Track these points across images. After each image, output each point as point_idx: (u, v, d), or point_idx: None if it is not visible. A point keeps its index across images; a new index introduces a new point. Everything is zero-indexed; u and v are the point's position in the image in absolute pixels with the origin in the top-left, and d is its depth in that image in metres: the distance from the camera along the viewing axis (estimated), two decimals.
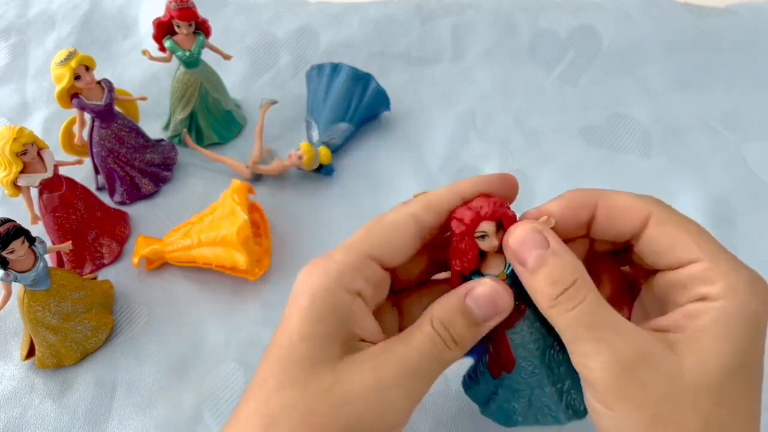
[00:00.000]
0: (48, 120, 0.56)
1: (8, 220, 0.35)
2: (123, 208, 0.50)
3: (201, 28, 0.50)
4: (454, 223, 0.28)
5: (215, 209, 0.45)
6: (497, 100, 0.58)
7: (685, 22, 0.64)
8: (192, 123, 0.54)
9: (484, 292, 0.26)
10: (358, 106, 0.54)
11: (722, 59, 0.62)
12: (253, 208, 0.47)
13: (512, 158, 0.53)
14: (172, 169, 0.52)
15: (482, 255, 0.28)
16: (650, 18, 0.65)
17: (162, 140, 0.53)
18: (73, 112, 0.47)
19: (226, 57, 0.53)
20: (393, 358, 0.25)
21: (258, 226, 0.47)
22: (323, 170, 0.51)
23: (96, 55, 0.47)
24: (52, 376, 0.40)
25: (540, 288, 0.25)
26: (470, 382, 0.33)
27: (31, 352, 0.40)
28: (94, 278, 0.45)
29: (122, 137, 0.49)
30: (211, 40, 0.51)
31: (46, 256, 0.38)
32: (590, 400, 0.25)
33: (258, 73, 0.61)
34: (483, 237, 0.27)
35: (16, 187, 0.42)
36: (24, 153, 0.41)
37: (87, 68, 0.45)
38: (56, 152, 0.44)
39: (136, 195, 0.50)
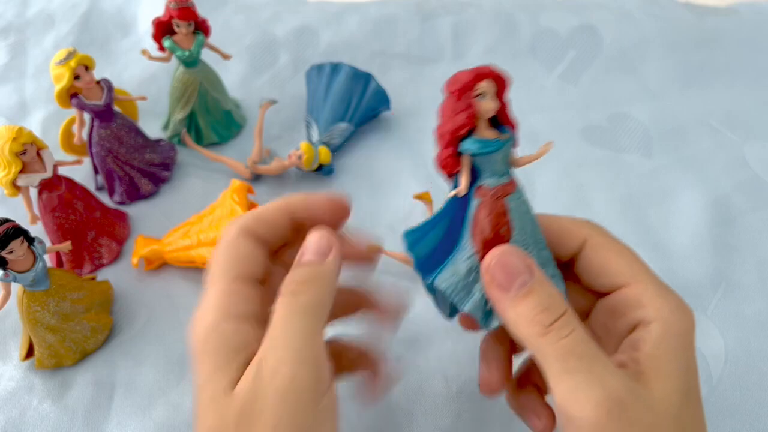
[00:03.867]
0: (47, 120, 0.56)
1: (7, 220, 0.35)
2: (122, 208, 0.50)
3: (200, 28, 0.50)
4: (451, 82, 0.27)
5: (215, 209, 0.45)
6: None
7: (686, 21, 0.64)
8: (191, 123, 0.53)
9: (311, 241, 0.26)
10: (358, 106, 0.54)
11: (724, 58, 0.61)
12: (252, 208, 0.47)
13: None
14: (172, 169, 0.52)
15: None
16: (651, 17, 0.64)
17: (161, 140, 0.53)
18: (73, 111, 0.47)
19: (226, 56, 0.53)
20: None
21: None
22: (323, 170, 0.51)
23: (95, 54, 0.47)
24: (52, 377, 0.40)
25: (527, 316, 0.24)
26: (456, 283, 0.27)
27: (30, 353, 0.40)
28: (93, 278, 0.45)
29: (121, 137, 0.49)
30: (211, 39, 0.51)
31: (46, 257, 0.38)
32: None
33: (257, 72, 0.61)
34: (483, 95, 0.26)
35: (15, 187, 0.42)
36: (23, 153, 0.41)
37: (86, 68, 0.45)
38: (55, 152, 0.44)
39: (135, 195, 0.50)
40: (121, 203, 0.50)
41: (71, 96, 0.46)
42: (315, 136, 0.52)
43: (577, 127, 0.56)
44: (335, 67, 0.55)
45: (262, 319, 0.25)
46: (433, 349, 0.40)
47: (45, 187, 0.43)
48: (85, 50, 0.46)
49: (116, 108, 0.48)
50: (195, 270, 0.45)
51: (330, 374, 0.24)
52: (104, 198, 0.49)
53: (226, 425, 0.23)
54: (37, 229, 0.43)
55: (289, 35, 0.63)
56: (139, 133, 0.50)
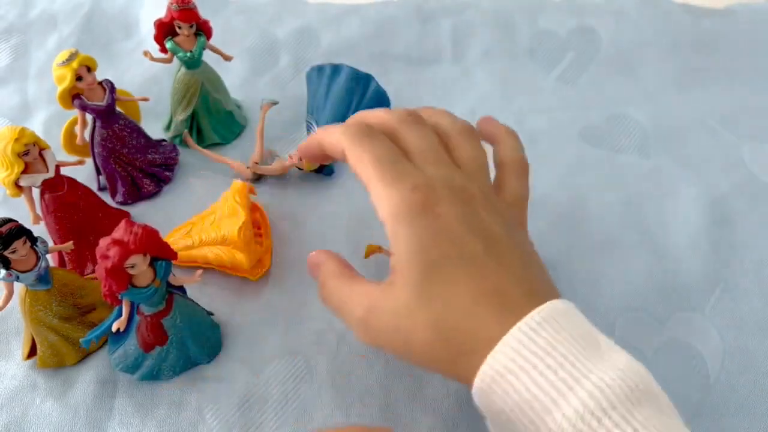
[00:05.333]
0: (49, 120, 0.56)
1: (10, 220, 0.35)
2: (124, 209, 0.50)
3: (202, 29, 0.50)
4: (102, 255, 0.32)
5: (216, 210, 0.46)
6: (497, 100, 0.59)
7: (684, 22, 0.65)
8: (193, 123, 0.54)
9: None
10: (358, 107, 0.54)
11: (721, 59, 0.62)
12: (254, 208, 0.47)
13: None
14: (174, 169, 0.52)
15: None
16: (649, 18, 0.65)
17: (163, 141, 0.53)
18: (75, 112, 0.47)
19: (227, 58, 0.53)
20: None
21: (259, 225, 0.48)
22: (323, 170, 0.51)
23: (97, 55, 0.47)
24: (54, 376, 0.40)
25: None
26: (123, 360, 0.39)
27: (32, 352, 0.41)
28: (96, 278, 0.45)
29: (124, 138, 0.49)
30: (212, 40, 0.51)
31: (48, 256, 0.39)
32: None
33: (258, 73, 0.61)
34: (133, 266, 0.33)
35: (17, 187, 0.42)
36: (26, 153, 0.41)
37: (89, 69, 0.46)
38: (57, 153, 0.44)
39: (137, 195, 0.50)
40: (123, 203, 0.50)
41: (73, 97, 0.46)
42: None
43: (576, 128, 0.56)
44: (336, 69, 0.55)
45: None
46: None
47: (47, 187, 0.44)
48: (87, 51, 0.47)
49: (118, 109, 0.49)
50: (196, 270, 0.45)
51: None
52: (106, 198, 0.50)
53: None
54: (39, 229, 0.43)
55: (290, 36, 0.63)
56: (141, 133, 0.50)
